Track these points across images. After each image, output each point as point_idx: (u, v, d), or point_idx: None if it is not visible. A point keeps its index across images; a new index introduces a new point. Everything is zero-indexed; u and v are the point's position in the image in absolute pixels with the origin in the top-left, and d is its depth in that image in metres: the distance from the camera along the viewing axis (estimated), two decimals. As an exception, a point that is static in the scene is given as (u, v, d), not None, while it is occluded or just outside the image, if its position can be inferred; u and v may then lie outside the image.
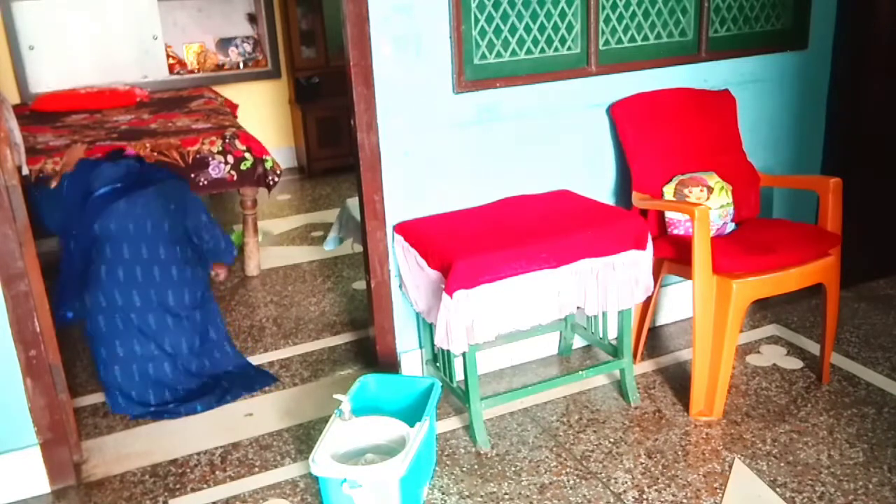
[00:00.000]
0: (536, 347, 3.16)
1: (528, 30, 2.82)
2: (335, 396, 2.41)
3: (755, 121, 3.32)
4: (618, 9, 2.94)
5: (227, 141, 4.04)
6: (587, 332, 3.08)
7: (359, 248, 3.36)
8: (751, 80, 3.28)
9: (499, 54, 2.80)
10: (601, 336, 2.99)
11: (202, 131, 4.23)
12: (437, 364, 2.84)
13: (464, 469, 2.52)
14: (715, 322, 2.63)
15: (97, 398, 3.02)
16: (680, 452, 2.55)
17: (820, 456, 2.50)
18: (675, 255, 2.81)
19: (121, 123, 4.74)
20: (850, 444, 2.55)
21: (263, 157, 4.13)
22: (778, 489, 2.35)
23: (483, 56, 2.78)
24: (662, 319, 3.40)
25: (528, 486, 2.42)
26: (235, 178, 4.03)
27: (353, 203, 3.42)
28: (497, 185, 2.93)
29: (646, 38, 3.03)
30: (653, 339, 3.26)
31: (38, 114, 5.11)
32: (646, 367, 3.08)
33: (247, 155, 4.06)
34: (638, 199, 2.92)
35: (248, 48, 6.38)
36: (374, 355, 2.98)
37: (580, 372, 2.86)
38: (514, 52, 2.83)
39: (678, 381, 2.95)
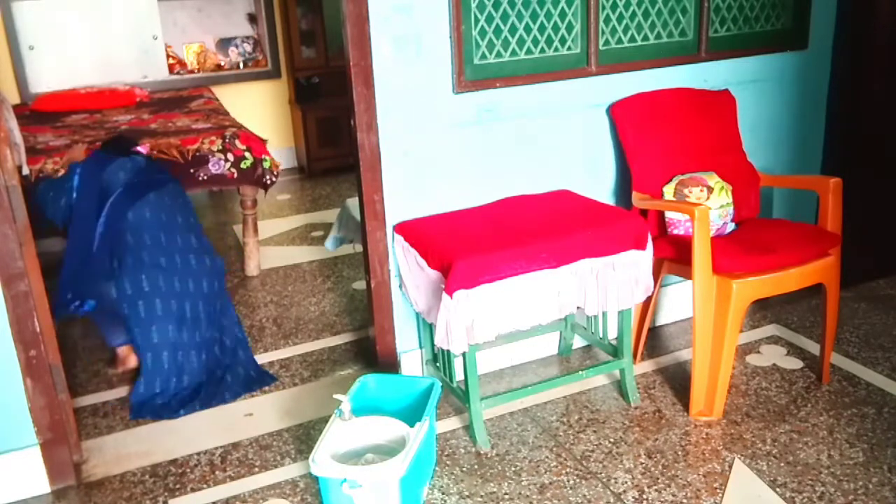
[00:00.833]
0: (536, 347, 3.16)
1: (528, 30, 2.82)
2: (335, 396, 2.41)
3: (755, 121, 3.32)
4: (618, 9, 2.94)
5: (227, 140, 4.04)
6: (587, 332, 3.08)
7: (359, 248, 3.36)
8: (751, 80, 3.28)
9: (499, 54, 2.80)
10: (601, 336, 2.99)
11: (202, 131, 4.23)
12: (437, 364, 2.84)
13: (464, 469, 2.52)
14: (715, 322, 2.63)
15: (97, 398, 3.02)
16: (680, 452, 2.55)
17: (820, 456, 2.50)
18: (675, 255, 2.81)
19: (121, 123, 4.74)
20: (850, 444, 2.55)
21: (262, 156, 4.13)
22: (778, 489, 2.35)
23: (483, 56, 2.78)
24: (662, 319, 3.40)
25: (528, 486, 2.42)
26: (235, 175, 4.04)
27: (353, 203, 3.42)
28: (497, 185, 2.93)
29: (646, 38, 3.03)
30: (653, 339, 3.26)
31: (38, 114, 5.11)
32: (646, 367, 3.08)
33: (247, 154, 4.06)
34: (638, 199, 2.92)
35: (248, 48, 6.38)
36: (374, 355, 2.98)
37: (580, 372, 2.86)
38: (514, 52, 2.83)
39: (678, 381, 2.95)
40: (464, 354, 2.48)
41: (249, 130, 4.35)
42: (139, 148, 3.34)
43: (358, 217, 2.96)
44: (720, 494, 2.34)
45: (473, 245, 2.46)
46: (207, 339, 3.06)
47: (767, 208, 3.40)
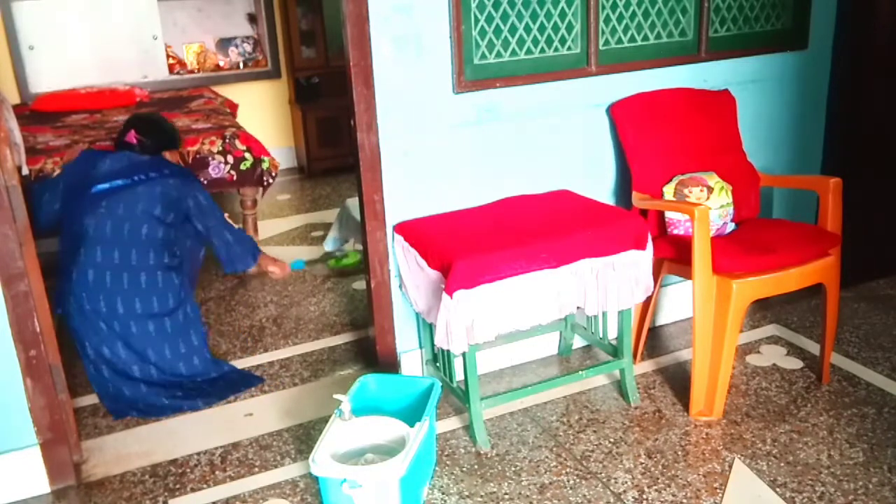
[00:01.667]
0: (536, 347, 3.16)
1: (528, 30, 2.82)
2: (335, 396, 2.41)
3: (755, 121, 3.32)
4: (618, 9, 2.94)
5: (227, 141, 4.05)
6: (587, 332, 3.08)
7: (359, 248, 3.36)
8: (751, 80, 3.28)
9: (499, 54, 2.80)
10: (601, 336, 2.99)
11: (202, 131, 4.24)
12: (437, 364, 2.84)
13: (464, 469, 2.52)
14: (715, 322, 2.63)
15: (97, 398, 3.02)
16: (680, 452, 2.55)
17: (820, 456, 2.50)
18: (675, 255, 2.81)
19: (121, 123, 4.73)
20: (850, 444, 2.55)
21: (262, 157, 4.13)
22: (778, 489, 2.35)
23: (483, 56, 2.78)
24: (662, 319, 3.40)
25: (528, 486, 2.42)
26: (235, 177, 4.04)
27: (352, 203, 3.42)
28: (497, 185, 2.93)
29: (646, 38, 3.03)
30: (653, 339, 3.26)
31: (38, 114, 5.12)
32: (646, 367, 3.08)
33: (246, 155, 4.07)
34: (638, 199, 2.92)
35: (248, 48, 6.38)
36: (374, 355, 2.98)
37: (580, 372, 2.86)
38: (514, 52, 2.83)
39: (678, 381, 2.95)
40: (464, 354, 2.48)
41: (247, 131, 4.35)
42: (129, 138, 3.24)
43: (358, 217, 2.96)
44: (720, 494, 2.34)
45: (473, 245, 2.46)
46: (170, 356, 3.02)
47: (767, 208, 3.40)
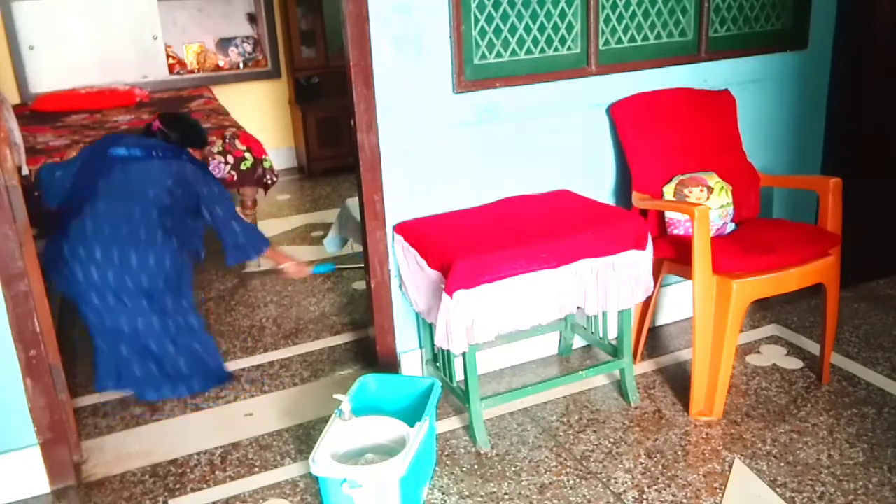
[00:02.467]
0: (536, 347, 3.16)
1: (528, 30, 2.82)
2: (335, 396, 2.41)
3: (755, 121, 3.32)
4: (618, 9, 2.94)
5: (227, 141, 4.04)
6: (587, 332, 3.08)
7: (359, 248, 3.36)
8: (751, 80, 3.28)
9: (499, 54, 2.80)
10: (601, 336, 2.99)
11: (202, 131, 4.23)
12: (437, 364, 2.84)
13: (464, 469, 2.52)
14: (715, 322, 2.63)
15: (97, 398, 3.02)
16: (680, 452, 2.55)
17: (820, 456, 2.50)
18: (675, 255, 2.81)
19: (121, 123, 4.74)
20: (850, 444, 2.55)
21: (263, 157, 4.13)
22: (778, 489, 2.35)
23: (483, 56, 2.78)
24: (662, 319, 3.40)
25: (528, 486, 2.42)
26: (236, 177, 4.04)
27: (352, 203, 3.42)
28: (497, 185, 2.93)
29: (646, 38, 3.03)
30: (653, 339, 3.26)
31: (38, 114, 5.12)
32: (646, 367, 3.08)
33: (247, 155, 4.06)
34: (638, 199, 2.92)
35: (248, 48, 6.38)
36: (374, 355, 2.98)
37: (580, 372, 2.86)
38: (514, 52, 2.83)
39: (678, 381, 2.95)
40: (464, 354, 2.48)
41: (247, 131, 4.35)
42: (153, 127, 3.25)
43: (358, 217, 2.96)
44: (720, 494, 2.34)
45: (473, 245, 2.46)
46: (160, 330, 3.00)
47: (767, 208, 3.40)
